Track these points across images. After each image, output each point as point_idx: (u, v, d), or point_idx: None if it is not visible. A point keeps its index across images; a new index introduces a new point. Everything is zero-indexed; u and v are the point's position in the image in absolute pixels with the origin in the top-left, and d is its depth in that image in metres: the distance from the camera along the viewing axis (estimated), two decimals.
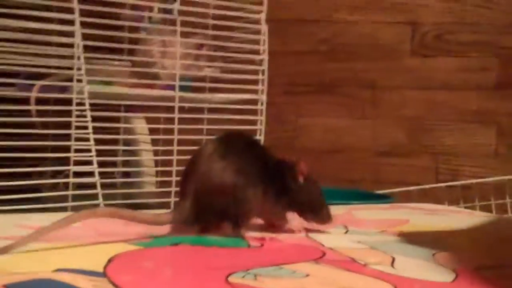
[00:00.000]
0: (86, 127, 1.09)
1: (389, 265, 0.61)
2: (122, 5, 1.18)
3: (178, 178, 1.24)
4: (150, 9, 1.31)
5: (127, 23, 1.22)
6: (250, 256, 0.63)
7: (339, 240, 0.71)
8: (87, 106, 1.08)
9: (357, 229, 0.80)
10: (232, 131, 0.75)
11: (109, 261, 0.56)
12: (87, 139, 1.08)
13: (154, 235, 0.68)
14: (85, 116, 1.08)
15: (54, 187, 1.16)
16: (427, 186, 1.64)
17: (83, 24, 1.10)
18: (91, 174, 1.10)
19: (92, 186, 1.11)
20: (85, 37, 1.11)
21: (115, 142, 1.42)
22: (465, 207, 1.60)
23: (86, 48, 1.12)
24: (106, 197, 1.13)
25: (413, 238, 0.75)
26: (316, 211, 0.75)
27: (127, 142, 1.48)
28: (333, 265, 0.59)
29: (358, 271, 0.58)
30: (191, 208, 0.69)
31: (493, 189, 1.60)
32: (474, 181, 1.63)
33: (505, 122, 1.68)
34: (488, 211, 1.59)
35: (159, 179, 1.37)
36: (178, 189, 0.72)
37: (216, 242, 0.67)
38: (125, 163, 1.50)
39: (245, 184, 0.70)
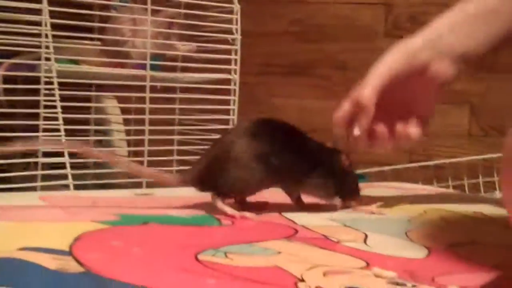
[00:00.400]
0: (54, 106, 1.07)
1: (362, 242, 0.60)
2: None
3: (150, 158, 1.23)
4: None
5: (97, 1, 1.20)
6: (221, 234, 0.62)
7: (311, 218, 0.71)
8: (55, 85, 1.06)
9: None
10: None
11: (76, 239, 0.55)
12: (56, 119, 1.06)
13: (122, 214, 0.67)
14: (53, 95, 1.05)
15: (25, 167, 1.14)
16: (400, 166, 1.64)
17: (51, 2, 1.07)
18: (61, 154, 1.08)
19: (62, 166, 1.09)
20: (54, 15, 1.08)
21: (86, 122, 1.40)
22: (439, 187, 1.61)
23: (55, 27, 1.10)
24: (77, 177, 1.11)
25: (386, 216, 0.74)
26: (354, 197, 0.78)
27: (98, 122, 1.46)
28: (305, 243, 0.59)
29: (331, 248, 0.57)
30: (200, 171, 0.70)
31: (466, 169, 1.61)
32: (447, 161, 1.63)
33: (477, 103, 1.68)
34: (461, 190, 1.60)
35: (131, 159, 1.35)
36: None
37: (186, 221, 0.66)
38: (97, 143, 1.48)
39: (259, 167, 0.69)
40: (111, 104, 1.44)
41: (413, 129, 0.72)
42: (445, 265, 0.53)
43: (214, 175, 0.70)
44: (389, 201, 0.85)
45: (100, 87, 1.43)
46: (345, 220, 0.70)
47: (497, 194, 1.47)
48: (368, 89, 0.70)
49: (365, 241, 0.60)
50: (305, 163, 0.73)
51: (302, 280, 0.46)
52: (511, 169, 0.43)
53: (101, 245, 0.55)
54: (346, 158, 0.76)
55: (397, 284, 0.47)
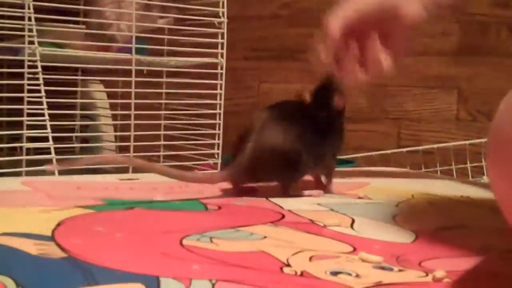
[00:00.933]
0: (39, 91, 1.05)
1: (348, 226, 0.59)
2: None
3: (137, 143, 1.22)
4: None
5: None
6: (207, 219, 0.61)
7: (298, 202, 0.70)
8: (39, 69, 1.04)
9: None
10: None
11: (58, 224, 0.54)
12: (41, 103, 1.05)
13: (107, 199, 0.66)
14: (37, 79, 1.04)
15: (12, 152, 1.13)
16: (388, 152, 1.64)
17: None
18: (45, 139, 1.07)
19: (48, 151, 1.08)
20: None
21: (71, 107, 1.39)
22: (427, 172, 1.61)
23: (39, 10, 1.08)
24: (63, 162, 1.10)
25: (373, 201, 0.74)
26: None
27: (84, 107, 1.45)
28: (291, 227, 0.58)
29: (317, 232, 0.57)
30: (247, 165, 0.70)
31: (454, 154, 1.61)
32: (435, 146, 1.63)
33: (465, 88, 1.68)
34: (449, 175, 1.60)
35: (117, 144, 1.34)
36: (234, 148, 0.73)
37: (171, 206, 0.66)
38: (84, 128, 1.47)
39: (299, 149, 0.71)
40: (97, 89, 1.43)
41: (383, 56, 0.72)
42: (432, 249, 0.53)
43: (268, 168, 0.71)
44: (376, 186, 0.85)
45: (86, 72, 1.42)
46: (332, 204, 0.70)
47: (485, 179, 1.47)
48: (335, 20, 0.73)
49: (352, 226, 0.60)
50: (321, 134, 0.75)
51: (288, 265, 0.46)
52: (498, 150, 0.42)
53: (84, 230, 0.54)
54: (339, 98, 0.76)
55: (384, 268, 0.46)
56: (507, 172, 0.41)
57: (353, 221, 0.62)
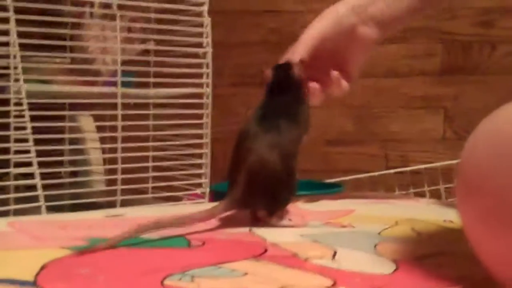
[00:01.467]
0: (25, 128, 1.06)
1: (330, 258, 0.60)
2: (59, 1, 1.16)
3: (124, 176, 1.22)
4: (91, 4, 1.28)
5: (64, 19, 1.19)
6: (189, 256, 0.62)
7: (282, 234, 0.71)
8: (25, 106, 1.05)
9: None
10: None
11: (42, 268, 0.54)
12: (27, 140, 1.06)
13: (91, 238, 0.66)
14: (23, 116, 1.05)
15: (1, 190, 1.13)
16: (376, 174, 1.65)
17: (19, 22, 1.07)
18: (32, 175, 1.07)
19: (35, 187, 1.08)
20: (22, 34, 1.08)
21: (60, 141, 1.39)
22: (415, 193, 1.62)
23: (24, 46, 1.09)
24: (52, 198, 1.11)
25: (356, 229, 0.75)
26: None
27: (73, 141, 1.45)
28: (273, 262, 0.58)
29: (299, 266, 0.57)
30: (243, 195, 0.71)
31: (442, 173, 1.62)
32: (422, 166, 1.64)
33: (451, 107, 1.70)
34: (438, 195, 1.61)
35: (106, 177, 1.34)
36: (228, 176, 0.74)
37: (155, 243, 0.66)
38: (73, 163, 1.47)
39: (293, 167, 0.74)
40: (86, 122, 1.44)
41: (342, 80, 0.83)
42: (412, 280, 0.54)
43: (263, 194, 0.72)
44: (361, 213, 0.85)
45: (74, 106, 1.42)
46: (315, 235, 0.70)
47: None
48: (299, 49, 0.82)
49: (333, 257, 0.60)
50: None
51: None
52: (465, 188, 0.43)
53: (67, 273, 0.54)
54: (298, 67, 0.79)
55: None
56: (472, 206, 0.42)
57: (335, 252, 0.62)
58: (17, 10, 1.07)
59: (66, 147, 1.35)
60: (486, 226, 0.40)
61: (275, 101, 0.78)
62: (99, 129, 1.43)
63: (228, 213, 0.73)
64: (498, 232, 0.39)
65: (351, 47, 0.84)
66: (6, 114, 1.06)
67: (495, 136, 0.41)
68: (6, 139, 1.06)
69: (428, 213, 0.87)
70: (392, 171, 1.65)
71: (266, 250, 0.63)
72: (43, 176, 1.12)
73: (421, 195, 1.61)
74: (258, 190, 0.72)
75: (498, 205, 0.39)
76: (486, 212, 0.40)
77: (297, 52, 0.82)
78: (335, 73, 0.83)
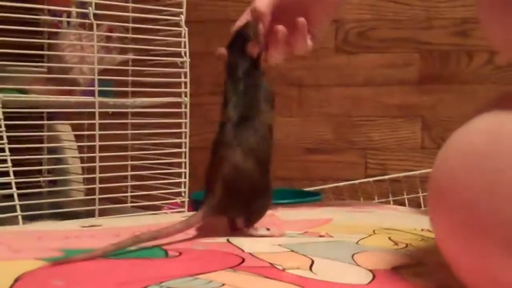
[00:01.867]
0: (1, 137, 1.05)
1: (307, 269, 0.60)
2: (35, 10, 1.15)
3: (103, 185, 1.22)
4: (68, 14, 1.28)
5: (41, 29, 1.19)
6: (166, 267, 0.61)
7: (259, 244, 0.71)
8: (0, 116, 1.04)
9: None
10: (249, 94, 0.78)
11: (16, 280, 0.54)
12: (3, 150, 1.05)
13: (66, 249, 0.66)
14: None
15: None
16: (356, 182, 1.66)
17: None
18: (9, 184, 1.06)
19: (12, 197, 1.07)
20: None
21: (38, 150, 1.38)
22: (394, 201, 1.63)
23: (1, 55, 1.08)
24: (30, 207, 1.10)
25: (334, 239, 0.75)
26: None
27: (51, 150, 1.44)
28: (250, 272, 0.58)
29: (276, 277, 0.57)
30: (219, 203, 0.71)
31: (420, 181, 1.63)
32: (401, 174, 1.65)
33: (429, 116, 1.71)
34: (417, 203, 1.62)
35: (84, 186, 1.34)
36: (205, 184, 0.74)
37: (132, 253, 0.66)
38: (51, 172, 1.46)
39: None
40: (64, 130, 1.43)
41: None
42: None
43: (239, 201, 0.72)
44: (339, 222, 0.85)
45: (51, 114, 1.41)
46: (293, 245, 0.70)
47: None
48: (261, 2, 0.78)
49: (310, 268, 0.60)
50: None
51: None
52: (436, 199, 0.44)
53: (42, 285, 0.54)
54: (253, 45, 0.78)
55: None
56: (444, 219, 0.42)
57: (312, 262, 0.62)
58: None
59: (44, 156, 1.34)
60: (458, 238, 0.41)
61: (238, 87, 0.77)
62: (77, 138, 1.42)
63: (205, 221, 0.73)
64: (470, 244, 0.40)
65: (315, 5, 0.82)
66: None
67: (466, 149, 0.41)
68: None
69: (406, 222, 0.87)
70: (371, 179, 1.65)
71: (243, 260, 0.63)
72: (21, 185, 1.11)
73: (401, 203, 1.62)
74: (234, 198, 0.72)
75: (469, 218, 0.39)
76: (457, 224, 0.40)
77: (259, 6, 0.79)
78: (301, 20, 0.80)
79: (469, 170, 0.40)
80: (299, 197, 1.43)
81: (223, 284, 0.54)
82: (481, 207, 0.38)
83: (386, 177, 1.65)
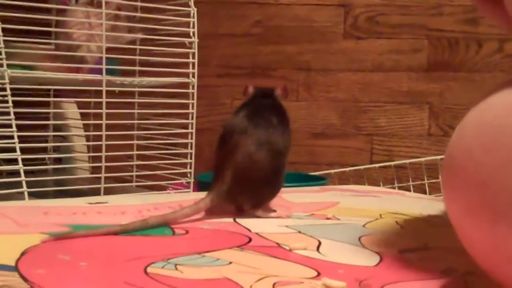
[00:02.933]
0: (8, 113, 1.05)
1: (314, 249, 0.60)
2: None
3: (108, 164, 1.22)
4: None
5: (49, 5, 1.18)
6: (173, 245, 0.61)
7: (266, 224, 0.70)
8: (8, 91, 1.04)
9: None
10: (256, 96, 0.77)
11: (23, 254, 0.54)
12: (10, 126, 1.05)
13: (73, 225, 0.66)
14: (6, 102, 1.03)
15: None
16: (361, 167, 1.65)
17: (3, 6, 1.05)
18: (15, 161, 1.06)
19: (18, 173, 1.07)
20: (5, 19, 1.06)
21: (44, 127, 1.38)
22: (399, 187, 1.62)
23: (7, 31, 1.08)
24: (35, 184, 1.10)
25: (341, 221, 0.74)
26: None
27: (57, 128, 1.44)
28: (257, 251, 0.58)
29: (283, 257, 0.57)
30: (228, 191, 0.70)
31: (426, 169, 1.63)
32: (407, 161, 1.65)
33: (436, 103, 1.70)
34: (422, 190, 1.62)
35: (90, 164, 1.34)
36: (213, 169, 0.73)
37: (138, 231, 0.65)
38: (57, 149, 1.46)
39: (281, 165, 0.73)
40: (70, 109, 1.43)
41: None
42: (395, 272, 0.53)
43: (249, 191, 0.72)
44: (345, 205, 0.85)
45: (58, 92, 1.41)
46: (300, 226, 0.70)
47: None
48: None
49: (318, 249, 0.60)
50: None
51: None
52: (450, 176, 0.43)
53: (48, 259, 0.53)
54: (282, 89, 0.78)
55: None
56: (458, 197, 0.42)
57: (319, 243, 0.62)
58: None
59: (50, 133, 1.34)
60: (473, 216, 0.40)
61: (258, 103, 0.76)
62: (83, 116, 1.42)
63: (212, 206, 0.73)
64: (485, 222, 0.39)
65: None
66: None
67: (483, 125, 0.41)
68: None
69: (413, 207, 0.87)
70: (377, 165, 1.65)
71: (250, 240, 0.63)
72: (27, 162, 1.11)
73: (406, 189, 1.61)
74: (244, 186, 0.71)
75: (484, 195, 0.39)
76: (472, 202, 0.40)
77: None
78: None
79: (486, 147, 0.39)
80: (305, 181, 1.42)
81: (230, 262, 0.54)
82: (497, 184, 0.38)
83: (392, 163, 1.65)
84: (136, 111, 1.31)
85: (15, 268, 0.49)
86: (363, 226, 0.72)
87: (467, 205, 0.41)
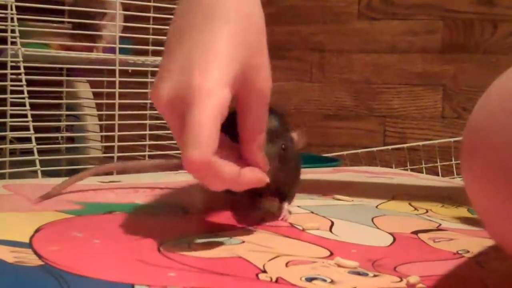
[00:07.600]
0: (22, 92, 1.05)
1: (327, 229, 0.60)
2: None
3: (121, 144, 1.22)
4: None
5: None
6: (185, 224, 0.62)
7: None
8: (21, 70, 1.04)
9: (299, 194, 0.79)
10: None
11: (37, 231, 0.54)
12: (24, 104, 1.05)
13: (86, 203, 0.66)
14: (20, 80, 1.04)
15: None
16: (374, 149, 1.65)
17: None
18: (29, 139, 1.07)
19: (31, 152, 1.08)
20: None
21: (57, 106, 1.39)
22: (412, 170, 1.62)
23: (22, 9, 1.08)
24: (48, 163, 1.10)
25: (353, 202, 0.74)
26: None
27: (70, 107, 1.45)
28: (270, 231, 0.58)
29: (296, 236, 0.57)
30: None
31: (439, 151, 1.62)
32: (420, 143, 1.64)
33: (450, 85, 1.69)
34: (435, 172, 1.61)
35: (102, 144, 1.34)
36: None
37: (152, 209, 0.66)
38: (69, 129, 1.47)
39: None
40: (83, 88, 1.43)
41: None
42: (408, 253, 0.53)
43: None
44: (358, 187, 0.85)
45: (71, 71, 1.41)
46: (312, 207, 0.70)
47: None
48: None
49: (330, 229, 0.60)
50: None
51: (264, 271, 0.46)
52: (471, 150, 0.43)
53: (62, 236, 0.54)
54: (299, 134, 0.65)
55: (359, 274, 0.47)
56: (479, 162, 0.42)
57: (332, 224, 0.62)
58: None
59: (63, 112, 1.34)
60: (494, 183, 0.40)
61: None
62: (96, 95, 1.42)
63: None
64: (504, 189, 0.39)
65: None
66: (3, 78, 1.05)
67: (508, 92, 0.40)
68: (2, 103, 1.06)
69: (426, 189, 0.87)
70: (389, 147, 1.65)
71: (263, 219, 0.63)
72: (40, 141, 1.11)
73: (418, 171, 1.61)
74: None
75: (505, 160, 0.38)
76: (492, 168, 0.40)
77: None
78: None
79: (509, 113, 0.39)
80: (318, 162, 1.42)
81: (243, 241, 0.54)
82: None
83: (404, 145, 1.64)
84: (149, 90, 1.31)
85: (29, 245, 0.50)
86: (376, 207, 0.72)
87: (486, 171, 0.41)
